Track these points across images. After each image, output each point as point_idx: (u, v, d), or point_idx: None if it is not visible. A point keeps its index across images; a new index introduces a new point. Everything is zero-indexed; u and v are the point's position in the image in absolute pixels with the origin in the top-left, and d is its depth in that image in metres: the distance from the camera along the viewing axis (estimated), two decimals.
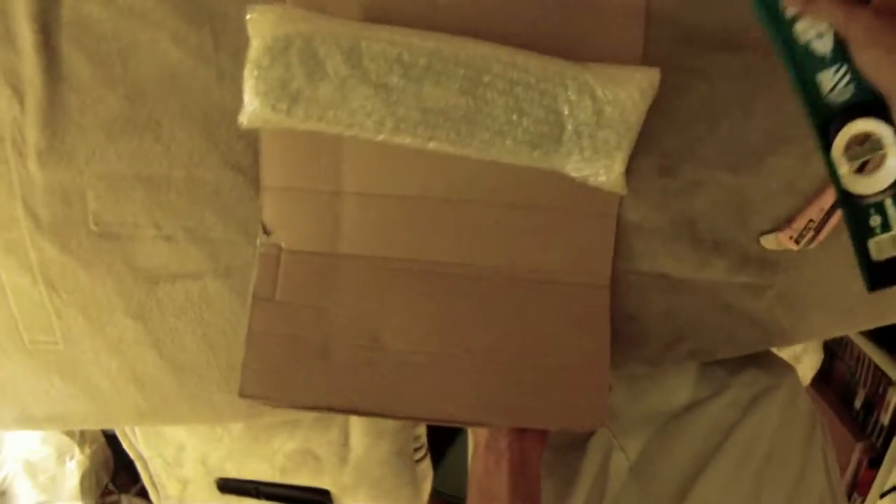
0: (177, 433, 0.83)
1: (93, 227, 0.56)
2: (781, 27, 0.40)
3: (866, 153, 0.41)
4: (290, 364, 0.51)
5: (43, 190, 0.55)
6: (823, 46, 0.40)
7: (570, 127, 0.47)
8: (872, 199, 0.42)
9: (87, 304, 0.59)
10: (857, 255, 0.43)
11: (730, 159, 0.52)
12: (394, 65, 0.45)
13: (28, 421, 0.66)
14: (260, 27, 0.45)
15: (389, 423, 0.79)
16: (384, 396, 0.51)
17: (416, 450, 0.85)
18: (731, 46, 0.49)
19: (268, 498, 0.83)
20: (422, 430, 0.87)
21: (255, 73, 0.45)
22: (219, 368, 0.60)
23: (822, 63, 0.41)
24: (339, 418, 0.79)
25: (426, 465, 0.89)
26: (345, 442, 0.79)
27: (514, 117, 0.46)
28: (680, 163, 0.52)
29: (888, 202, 0.42)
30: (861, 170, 0.42)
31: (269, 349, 0.52)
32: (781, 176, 0.53)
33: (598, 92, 0.46)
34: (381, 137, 0.46)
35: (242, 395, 0.52)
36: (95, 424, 0.70)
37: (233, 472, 0.83)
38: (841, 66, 0.40)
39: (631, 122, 0.47)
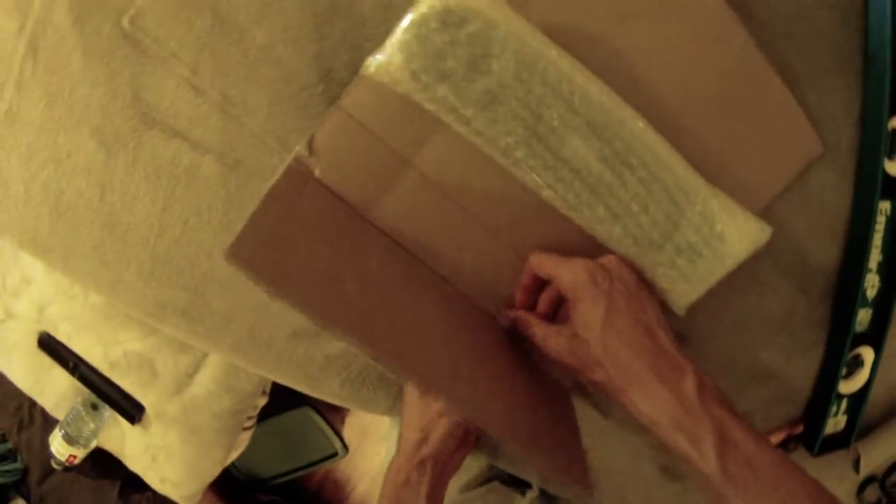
0: (35, 267, 0.76)
1: (124, 24, 0.50)
2: None
3: None
4: (293, 259, 0.42)
5: None
6: None
7: (677, 241, 0.46)
8: None
9: (60, 95, 0.52)
10: None
11: None
12: (559, 102, 0.42)
13: None
14: None
15: (244, 382, 0.75)
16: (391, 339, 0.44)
17: (249, 418, 0.82)
18: None
19: (80, 378, 0.76)
20: (262, 402, 0.83)
21: (415, 30, 0.40)
22: (152, 253, 0.54)
23: None
24: (202, 351, 0.75)
25: (247, 436, 0.85)
26: (192, 374, 0.74)
27: (636, 209, 0.45)
28: None
29: None
30: None
31: (276, 233, 0.43)
32: None
33: (718, 226, 0.46)
34: (501, 160, 0.43)
35: (231, 254, 0.42)
36: None
37: (62, 336, 0.76)
38: None
39: (727, 265, 0.48)
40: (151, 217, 0.54)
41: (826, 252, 0.58)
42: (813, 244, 0.57)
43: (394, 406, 0.60)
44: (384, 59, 0.41)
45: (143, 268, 0.55)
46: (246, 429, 0.82)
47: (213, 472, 0.79)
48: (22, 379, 0.80)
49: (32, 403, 0.91)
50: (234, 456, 0.85)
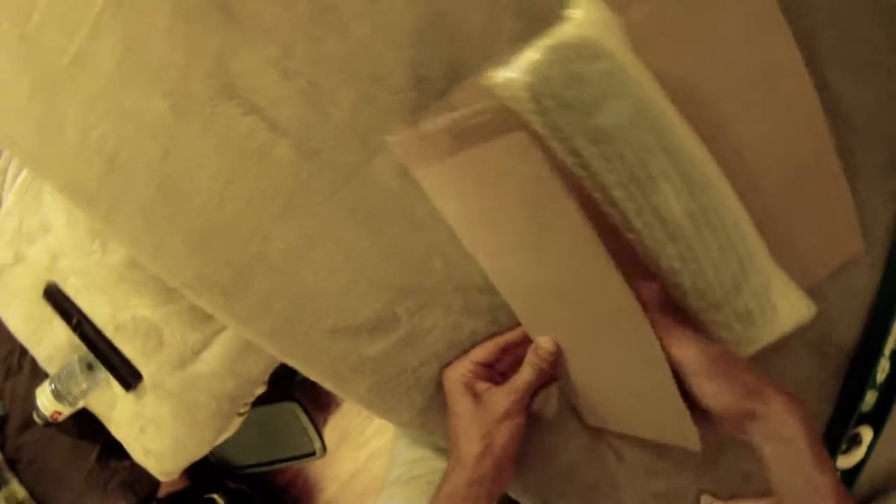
0: (56, 214, 0.74)
1: None
2: None
3: None
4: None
5: None
6: None
7: (736, 305, 0.47)
8: None
9: (138, 49, 0.51)
10: None
11: None
12: (663, 153, 0.43)
13: None
14: (586, 18, 0.41)
15: (250, 368, 0.74)
16: None
17: (245, 405, 0.80)
18: None
19: (81, 335, 0.74)
20: (260, 391, 0.82)
21: (550, 55, 0.40)
22: (205, 224, 0.53)
23: None
24: (214, 329, 0.73)
25: (238, 422, 0.83)
26: (198, 351, 0.73)
27: (707, 267, 0.46)
28: None
29: None
30: None
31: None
32: None
33: (774, 298, 0.48)
34: (596, 195, 0.43)
35: (396, 140, 0.47)
36: (18, 153, 0.60)
37: (70, 290, 0.74)
38: None
39: (773, 335, 0.49)
40: (213, 188, 0.53)
41: (848, 333, 0.60)
42: (839, 324, 0.59)
43: (413, 419, 0.59)
44: (512, 74, 0.40)
45: (191, 237, 0.54)
46: (240, 414, 0.81)
47: (199, 452, 0.77)
48: (19, 326, 0.77)
49: (23, 352, 0.88)
50: (220, 440, 0.83)
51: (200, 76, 0.51)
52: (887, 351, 0.58)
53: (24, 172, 0.74)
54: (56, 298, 0.74)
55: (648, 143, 0.42)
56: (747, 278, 0.47)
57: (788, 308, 0.49)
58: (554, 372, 0.52)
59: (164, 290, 0.71)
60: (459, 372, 0.54)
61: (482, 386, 0.53)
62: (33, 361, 0.81)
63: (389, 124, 0.50)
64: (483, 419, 0.51)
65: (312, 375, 0.57)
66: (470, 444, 0.51)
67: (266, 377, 0.75)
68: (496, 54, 0.41)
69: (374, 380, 0.57)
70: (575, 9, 0.43)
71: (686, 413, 0.45)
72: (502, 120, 0.41)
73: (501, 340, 0.55)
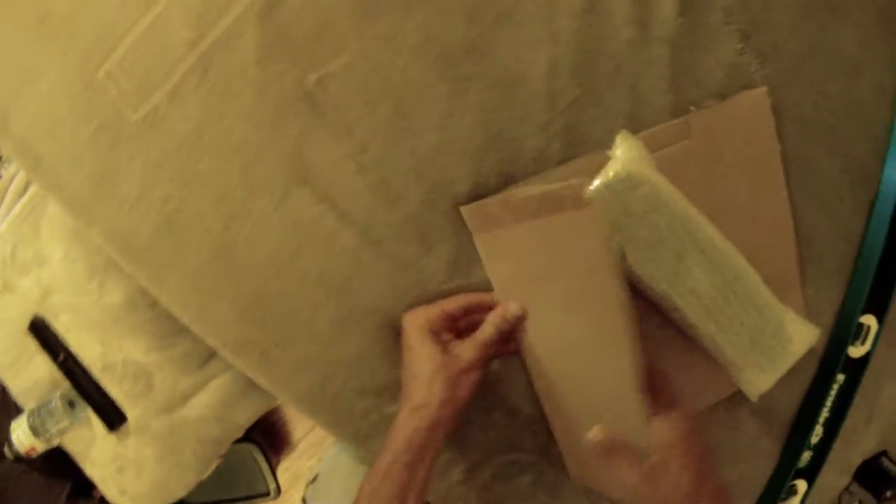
0: (54, 248, 0.73)
1: (309, 82, 0.54)
2: None
3: None
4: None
5: None
6: None
7: (761, 345, 0.61)
8: None
9: (219, 121, 0.55)
10: None
11: None
12: (694, 247, 0.57)
13: None
14: (626, 154, 0.54)
15: (237, 415, 0.76)
16: None
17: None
18: None
19: (66, 372, 0.73)
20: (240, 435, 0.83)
21: (604, 189, 0.54)
22: (257, 293, 0.57)
23: None
24: (206, 376, 0.75)
25: (215, 464, 0.84)
26: (188, 397, 0.74)
27: (736, 323, 0.60)
28: None
29: None
30: None
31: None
32: None
33: (788, 331, 0.62)
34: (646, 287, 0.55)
35: (469, 208, 0.56)
36: (63, 198, 0.60)
37: (59, 326, 0.73)
38: None
39: (793, 359, 0.63)
40: (271, 261, 0.57)
41: (789, 405, 0.71)
42: (781, 397, 0.71)
43: None
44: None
45: (239, 303, 0.58)
46: (219, 457, 0.82)
47: (178, 494, 0.77)
48: None
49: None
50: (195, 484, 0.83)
51: (278, 158, 0.56)
52: (822, 419, 0.72)
53: (24, 200, 0.73)
54: (42, 333, 0.73)
55: (684, 242, 0.56)
56: (767, 323, 0.62)
57: (799, 337, 0.64)
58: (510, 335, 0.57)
59: (160, 336, 0.72)
60: (426, 317, 0.55)
61: (446, 336, 0.56)
62: (3, 392, 0.78)
63: (446, 224, 0.57)
64: (449, 367, 0.52)
65: (336, 434, 0.61)
66: (435, 388, 0.52)
67: (251, 423, 0.78)
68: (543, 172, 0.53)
69: None
70: (617, 148, 0.55)
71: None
72: (573, 198, 0.49)
73: (474, 298, 0.57)
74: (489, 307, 0.56)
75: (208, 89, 0.55)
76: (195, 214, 0.57)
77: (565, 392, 0.59)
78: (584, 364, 0.57)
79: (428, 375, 0.52)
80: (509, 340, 0.58)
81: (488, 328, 0.55)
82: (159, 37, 0.56)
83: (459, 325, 0.57)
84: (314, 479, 0.82)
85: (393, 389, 0.60)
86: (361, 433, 0.61)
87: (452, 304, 0.56)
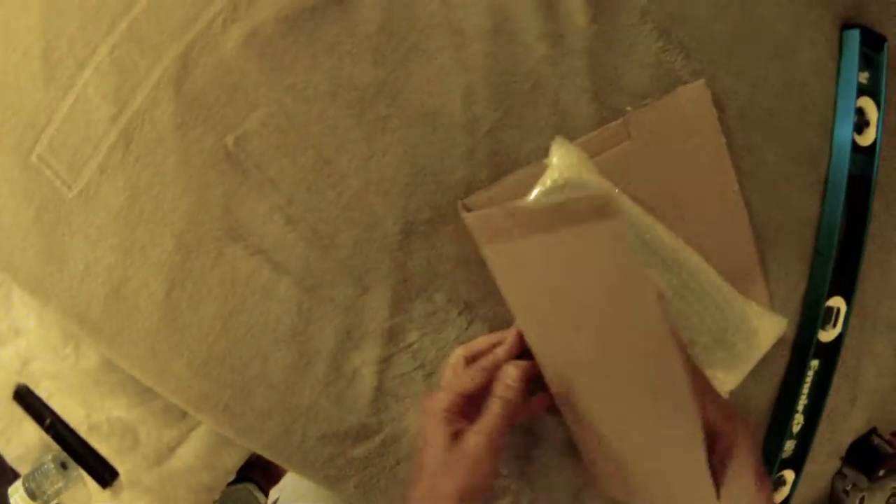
0: (27, 318, 0.75)
1: (228, 142, 0.55)
2: None
3: None
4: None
5: None
6: None
7: (726, 342, 0.60)
8: None
9: (147, 191, 0.56)
10: None
11: None
12: (647, 248, 0.58)
13: None
14: (562, 161, 0.54)
15: (225, 461, 0.78)
16: None
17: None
18: None
19: (54, 436, 0.76)
20: (231, 479, 0.85)
21: (544, 197, 0.53)
22: (208, 350, 0.58)
23: None
24: (189, 426, 0.77)
25: None
26: (174, 447, 0.76)
27: (697, 322, 0.60)
28: None
29: None
30: None
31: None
32: None
33: (753, 324, 0.61)
34: None
35: (475, 215, 0.54)
36: (17, 279, 0.62)
37: (43, 392, 0.76)
38: None
39: (761, 352, 0.63)
40: (216, 319, 0.58)
41: (764, 396, 0.70)
42: (756, 390, 0.70)
43: None
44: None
45: (194, 361, 0.59)
46: (214, 502, 0.84)
47: None
48: None
49: None
50: None
51: (208, 220, 0.57)
52: (800, 407, 0.70)
53: None
54: (27, 400, 0.75)
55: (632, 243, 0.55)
56: (729, 319, 0.61)
57: (766, 328, 0.63)
58: (522, 398, 0.53)
59: (139, 392, 0.74)
60: (439, 404, 0.52)
61: (462, 423, 0.52)
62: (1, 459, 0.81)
63: (382, 262, 0.57)
64: (454, 460, 0.50)
65: (308, 477, 0.63)
66: (439, 483, 0.50)
67: (239, 466, 0.80)
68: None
69: (359, 478, 0.63)
70: (553, 156, 0.54)
71: (713, 493, 0.51)
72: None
73: (484, 343, 0.56)
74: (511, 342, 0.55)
75: (133, 160, 0.57)
76: (139, 282, 0.58)
77: (607, 419, 0.56)
78: (628, 388, 0.53)
79: (432, 470, 0.50)
80: (530, 398, 0.56)
81: (494, 406, 0.51)
82: (82, 116, 0.57)
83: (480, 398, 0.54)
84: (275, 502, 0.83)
85: (356, 434, 0.61)
86: (331, 477, 0.62)
87: (466, 383, 0.53)
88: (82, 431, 0.75)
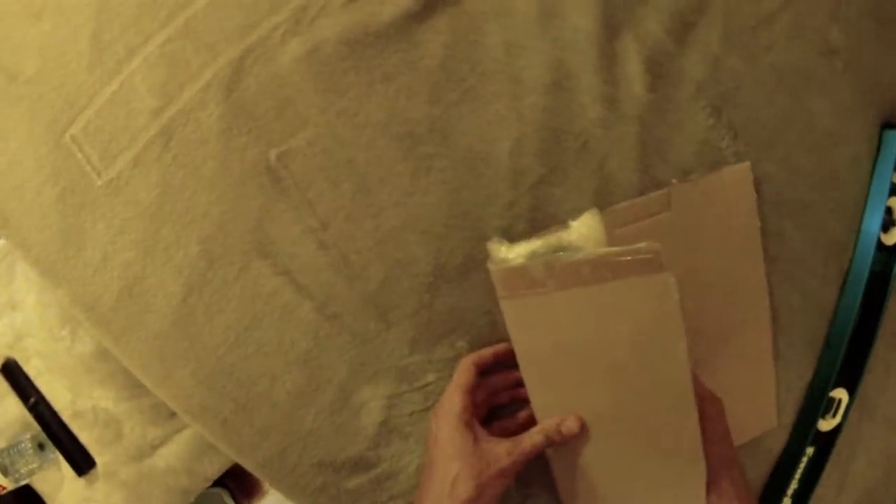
0: (27, 293, 0.73)
1: (271, 156, 0.54)
2: None
3: None
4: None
5: None
6: None
7: None
8: None
9: (181, 191, 0.55)
10: None
11: None
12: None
13: None
14: (580, 226, 0.53)
15: (206, 467, 0.77)
16: None
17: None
18: None
19: (36, 416, 0.74)
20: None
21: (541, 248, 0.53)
22: (216, 361, 0.56)
23: None
24: (174, 428, 0.75)
25: None
26: (157, 447, 0.75)
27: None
28: None
29: None
30: None
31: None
32: None
33: None
34: None
35: (500, 270, 0.52)
36: (30, 259, 0.60)
37: (31, 370, 0.74)
38: None
39: None
40: (230, 331, 0.57)
41: (757, 476, 0.70)
42: (750, 470, 0.70)
43: None
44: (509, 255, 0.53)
45: (200, 371, 0.58)
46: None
47: None
48: None
49: None
50: None
51: (238, 231, 0.55)
52: (790, 491, 0.71)
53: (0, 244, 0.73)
54: (15, 375, 0.73)
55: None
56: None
57: None
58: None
59: (129, 386, 0.73)
60: (459, 404, 0.52)
61: (481, 431, 0.52)
62: None
63: (408, 301, 0.57)
64: (480, 467, 0.49)
65: (293, 500, 0.62)
66: (463, 485, 0.48)
67: (220, 474, 0.78)
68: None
69: None
70: (575, 221, 0.54)
71: None
72: (646, 263, 0.47)
73: (500, 380, 0.57)
74: (514, 383, 0.56)
75: (171, 159, 0.55)
76: (156, 282, 0.57)
77: (609, 473, 0.56)
78: (639, 443, 0.53)
79: (457, 469, 0.49)
80: None
81: (538, 437, 0.51)
82: (124, 104, 0.56)
83: (477, 399, 0.55)
84: None
85: (352, 466, 0.60)
86: None
87: (477, 391, 0.54)
88: (66, 416, 0.74)
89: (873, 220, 0.66)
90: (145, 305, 0.57)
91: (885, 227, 0.67)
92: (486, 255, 0.56)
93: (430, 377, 0.59)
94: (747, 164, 0.62)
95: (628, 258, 0.47)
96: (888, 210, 0.67)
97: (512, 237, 0.57)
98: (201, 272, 0.56)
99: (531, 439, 0.51)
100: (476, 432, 0.51)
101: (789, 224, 0.64)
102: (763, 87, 0.62)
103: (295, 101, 0.54)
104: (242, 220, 0.55)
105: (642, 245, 0.48)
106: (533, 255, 0.52)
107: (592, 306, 0.50)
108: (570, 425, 0.52)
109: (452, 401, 0.53)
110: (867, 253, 0.66)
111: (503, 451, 0.50)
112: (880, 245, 0.66)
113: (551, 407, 0.55)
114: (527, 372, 0.55)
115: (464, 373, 0.54)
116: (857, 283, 0.67)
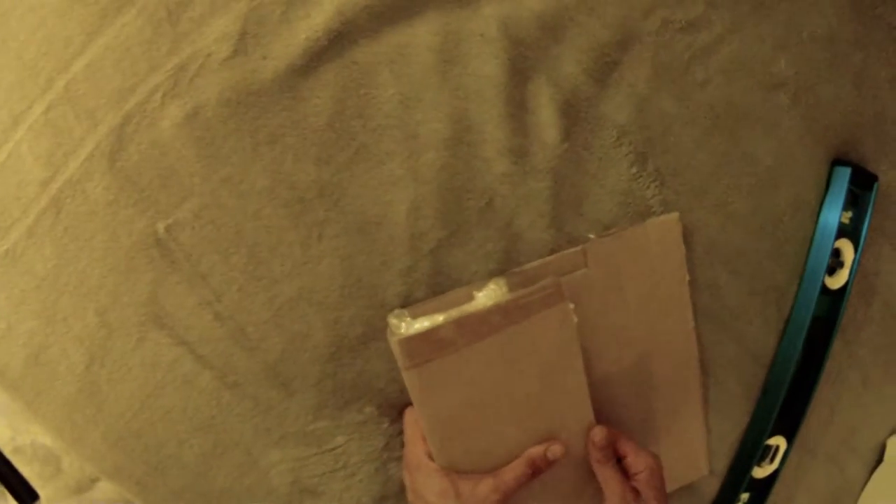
0: None
1: (159, 229, 0.52)
2: None
3: None
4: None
5: None
6: None
7: None
8: None
9: (74, 263, 0.54)
10: None
11: None
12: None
13: None
14: (487, 295, 0.50)
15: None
16: None
17: None
18: None
19: None
20: None
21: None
22: (124, 426, 0.56)
23: None
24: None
25: None
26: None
27: None
28: None
29: None
30: None
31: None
32: None
33: None
34: None
35: (403, 339, 0.48)
36: None
37: None
38: None
39: None
40: (134, 399, 0.56)
41: None
42: None
43: None
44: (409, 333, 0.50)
45: (109, 435, 0.58)
46: None
47: None
48: None
49: None
50: None
51: (133, 303, 0.54)
52: None
53: None
54: None
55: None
56: None
57: None
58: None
59: None
60: (425, 454, 0.51)
61: (453, 473, 0.50)
62: None
63: (310, 372, 0.55)
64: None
65: None
66: None
67: None
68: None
69: None
70: (480, 291, 0.51)
71: None
72: (550, 297, 0.49)
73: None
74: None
75: (62, 231, 0.54)
76: (59, 351, 0.56)
77: None
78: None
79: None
80: None
81: (522, 469, 0.49)
82: (14, 174, 0.54)
83: None
84: None
85: None
86: None
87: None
88: (7, 452, 0.75)
89: (818, 264, 0.62)
90: (51, 373, 0.57)
91: (831, 271, 0.63)
92: (386, 324, 0.54)
93: (340, 440, 0.58)
94: (675, 214, 0.58)
95: (536, 297, 0.49)
96: (835, 252, 0.62)
97: (412, 304, 0.55)
98: (101, 342, 0.55)
99: (513, 472, 0.49)
100: (450, 475, 0.49)
101: (723, 273, 0.61)
102: (695, 128, 0.58)
103: (178, 169, 0.52)
104: (136, 293, 0.54)
105: (546, 281, 0.49)
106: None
107: (502, 352, 0.49)
108: (556, 450, 0.50)
109: (415, 452, 0.51)
110: (810, 298, 0.63)
111: (488, 489, 0.48)
112: (825, 289, 0.62)
113: (463, 460, 0.52)
114: (435, 434, 0.52)
115: (413, 424, 0.53)
116: (798, 330, 0.63)
